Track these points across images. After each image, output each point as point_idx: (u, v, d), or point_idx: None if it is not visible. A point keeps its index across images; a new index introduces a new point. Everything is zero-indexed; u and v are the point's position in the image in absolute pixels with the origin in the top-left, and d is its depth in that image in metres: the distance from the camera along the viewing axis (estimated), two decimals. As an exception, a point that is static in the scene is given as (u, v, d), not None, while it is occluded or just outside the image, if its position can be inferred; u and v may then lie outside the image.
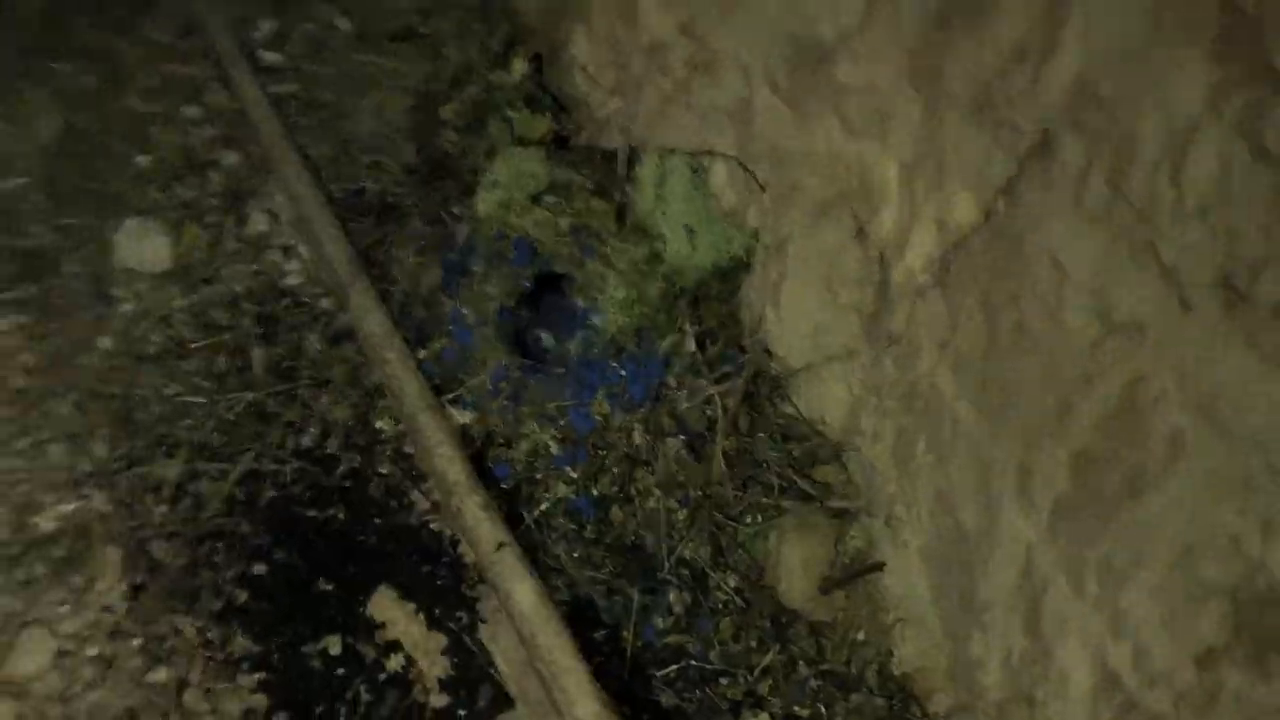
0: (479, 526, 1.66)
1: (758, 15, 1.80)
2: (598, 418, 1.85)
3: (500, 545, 1.64)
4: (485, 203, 1.94)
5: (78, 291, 2.04)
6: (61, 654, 1.63)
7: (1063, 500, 1.48)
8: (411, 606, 1.71)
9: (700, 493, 1.80)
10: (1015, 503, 1.55)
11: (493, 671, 1.66)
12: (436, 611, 1.72)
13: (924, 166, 1.60)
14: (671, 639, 1.74)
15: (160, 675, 1.63)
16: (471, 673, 1.67)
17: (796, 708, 1.68)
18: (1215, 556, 1.30)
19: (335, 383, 1.96)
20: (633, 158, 1.98)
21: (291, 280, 2.12)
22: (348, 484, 1.85)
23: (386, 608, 1.71)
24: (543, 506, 1.81)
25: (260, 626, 1.68)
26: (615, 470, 1.83)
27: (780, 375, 1.90)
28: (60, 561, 1.72)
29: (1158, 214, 1.31)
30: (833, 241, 1.77)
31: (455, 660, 1.68)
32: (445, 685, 1.65)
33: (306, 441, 1.89)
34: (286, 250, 2.15)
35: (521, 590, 1.59)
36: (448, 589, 1.74)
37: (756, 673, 1.70)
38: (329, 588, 1.73)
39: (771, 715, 1.67)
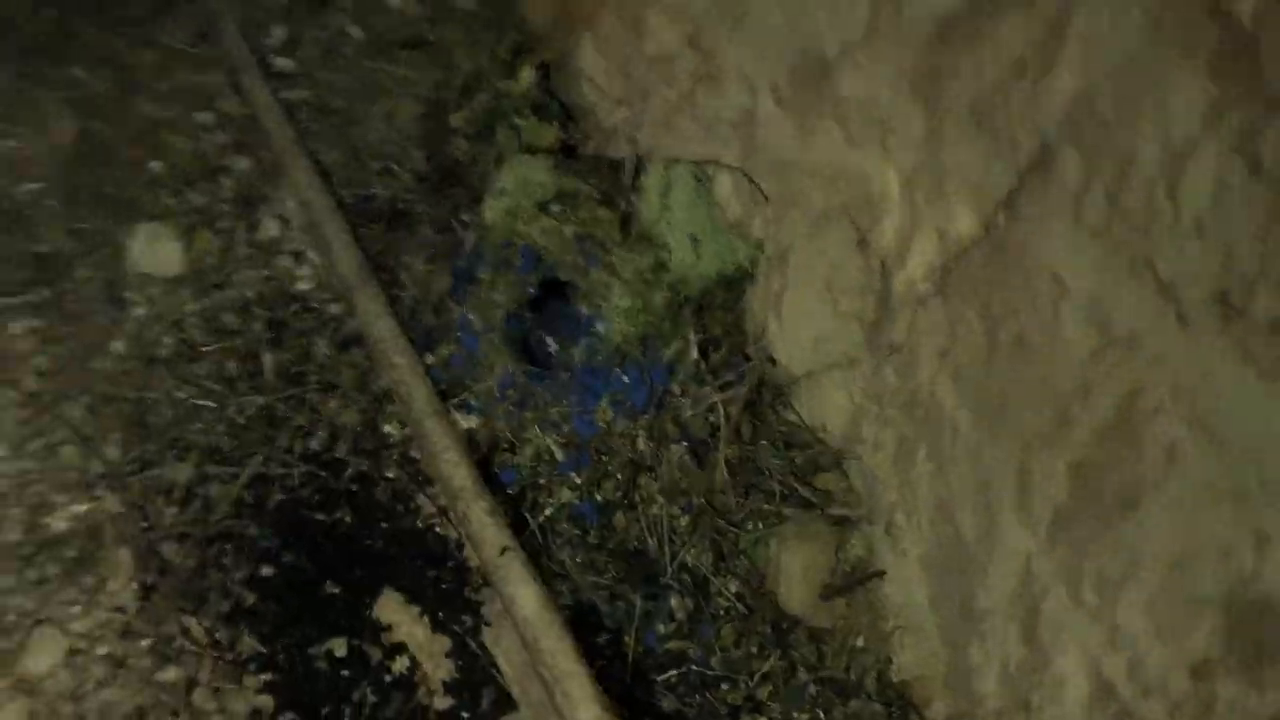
0: (484, 531, 1.69)
1: (763, 28, 1.82)
2: (602, 424, 1.87)
3: (504, 550, 1.67)
4: (493, 210, 1.97)
5: (91, 296, 2.06)
6: (73, 653, 1.66)
7: (1061, 510, 1.50)
8: (417, 609, 1.73)
9: (702, 499, 1.82)
10: (1014, 512, 1.57)
11: (496, 674, 1.69)
12: (441, 615, 1.74)
13: (925, 178, 1.62)
14: (673, 644, 1.76)
15: (169, 674, 1.66)
16: (475, 675, 1.69)
17: (796, 713, 1.70)
18: (1209, 568, 1.32)
19: (343, 387, 1.98)
20: (639, 167, 2.00)
21: (302, 285, 2.14)
22: (355, 488, 1.87)
23: (392, 610, 1.73)
24: (547, 512, 1.83)
25: (268, 628, 1.71)
26: (619, 476, 1.85)
27: (783, 383, 1.91)
28: (72, 562, 1.75)
29: (1155, 229, 1.33)
30: (835, 251, 1.79)
31: (459, 663, 1.70)
32: (449, 688, 1.68)
33: (315, 445, 1.92)
34: (297, 256, 2.18)
35: (525, 595, 1.61)
36: (452, 593, 1.77)
37: (756, 678, 1.72)
38: (336, 590, 1.75)
39: (770, 720, 1.69)
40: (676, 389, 1.88)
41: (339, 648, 1.70)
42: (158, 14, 2.63)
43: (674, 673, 1.73)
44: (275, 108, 2.38)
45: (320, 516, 1.83)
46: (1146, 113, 1.32)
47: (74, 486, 1.82)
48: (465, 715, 1.67)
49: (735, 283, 1.96)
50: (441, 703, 1.67)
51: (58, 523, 1.78)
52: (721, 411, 1.85)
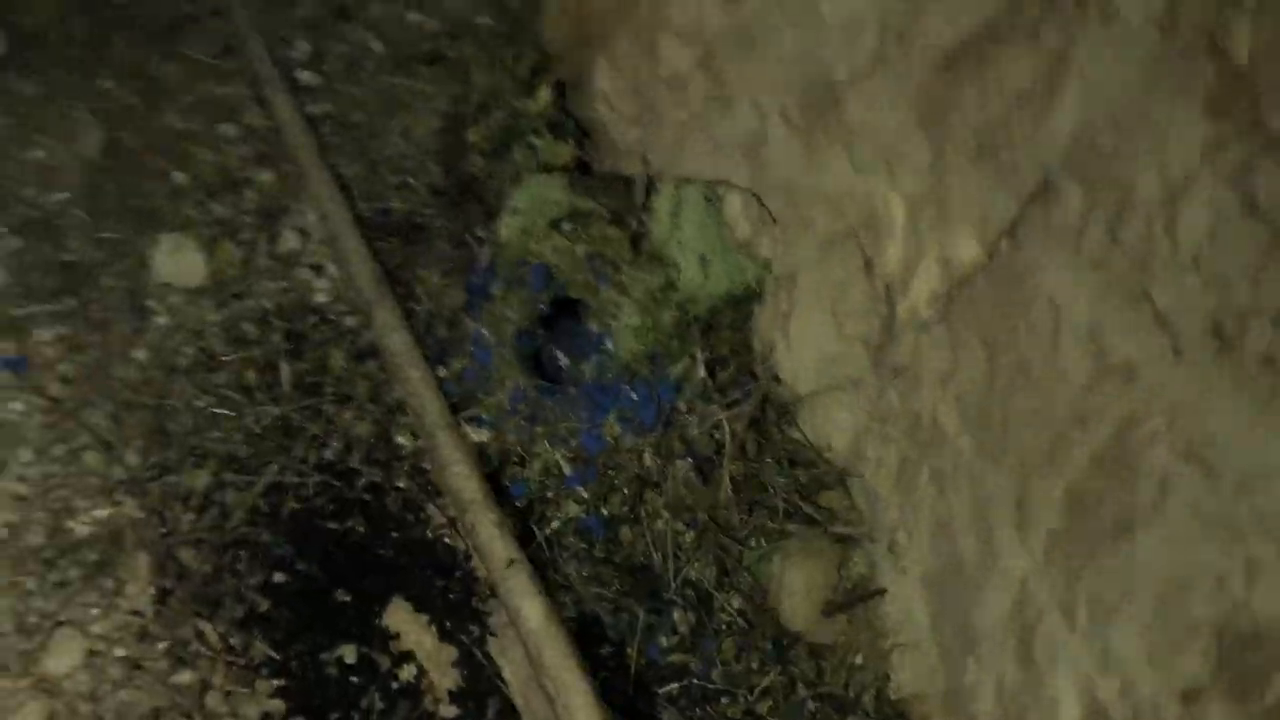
0: (491, 543, 1.73)
1: (773, 53, 1.85)
2: (609, 440, 1.91)
3: (511, 562, 1.71)
4: (507, 228, 2.01)
5: (115, 305, 2.11)
6: (92, 654, 1.71)
7: (1057, 535, 1.53)
8: (425, 618, 1.77)
9: (707, 515, 1.86)
10: (1012, 535, 1.60)
11: (500, 684, 1.73)
12: (448, 624, 1.78)
13: (929, 205, 1.65)
14: (675, 657, 1.79)
15: (184, 677, 1.70)
16: (480, 685, 1.73)
17: (794, 728, 1.74)
18: (1201, 595, 1.34)
19: (358, 398, 2.02)
20: (650, 187, 2.04)
21: (320, 298, 2.19)
22: (367, 498, 1.91)
23: (401, 619, 1.77)
24: (554, 525, 1.87)
25: (280, 634, 1.75)
26: (625, 491, 1.89)
27: (789, 402, 1.95)
28: (93, 565, 1.79)
29: (1152, 262, 1.35)
30: (841, 274, 1.82)
31: (465, 672, 1.74)
32: (455, 696, 1.71)
33: (329, 455, 1.96)
34: (316, 268, 2.23)
35: (530, 607, 1.65)
36: (460, 603, 1.81)
37: (756, 693, 1.75)
38: (346, 598, 1.79)
39: (770, 734, 1.72)
40: (683, 406, 1.92)
41: (349, 654, 1.74)
42: (184, 27, 2.68)
43: (675, 685, 1.77)
44: (298, 121, 2.43)
45: (333, 525, 1.87)
46: (1145, 147, 1.35)
47: (96, 491, 1.87)
48: (470, 723, 1.71)
49: (743, 302, 1.99)
50: (447, 711, 1.71)
51: (79, 527, 1.83)
52: (727, 429, 1.89)
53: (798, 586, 1.82)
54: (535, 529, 1.86)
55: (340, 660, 1.73)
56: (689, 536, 1.86)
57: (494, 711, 1.71)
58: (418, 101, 2.54)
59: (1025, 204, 1.51)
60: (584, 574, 1.83)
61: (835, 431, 1.91)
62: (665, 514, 1.86)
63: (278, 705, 1.68)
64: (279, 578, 1.81)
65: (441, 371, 2.02)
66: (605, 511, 1.88)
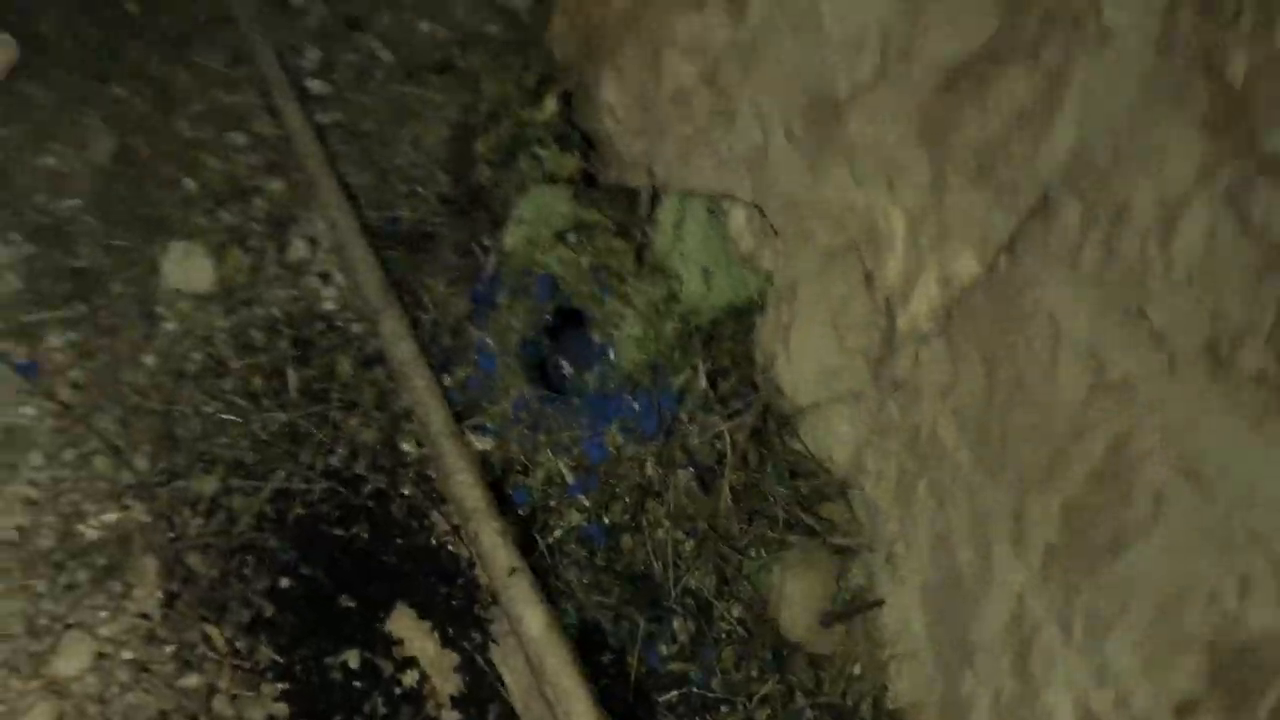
0: (494, 551, 1.75)
1: (777, 69, 1.87)
2: (611, 449, 1.93)
3: (513, 570, 1.73)
4: (513, 238, 2.03)
5: (125, 311, 2.14)
6: (100, 656, 1.73)
7: (1054, 548, 1.54)
8: (428, 625, 1.80)
9: (707, 525, 1.87)
10: (1009, 548, 1.61)
11: (502, 691, 1.75)
12: (451, 631, 1.80)
13: (929, 220, 1.67)
14: (675, 665, 1.81)
15: (191, 681, 1.73)
16: (482, 692, 1.75)
17: (793, 737, 1.75)
18: (1196, 610, 1.35)
19: (364, 405, 2.05)
20: (654, 199, 2.06)
21: (328, 305, 2.21)
22: (372, 504, 1.94)
23: (404, 625, 1.79)
24: (556, 533, 1.89)
25: (285, 638, 1.77)
26: (627, 500, 1.90)
27: (790, 413, 1.96)
28: (102, 569, 1.82)
29: (1148, 279, 1.37)
30: (842, 287, 1.83)
31: (467, 679, 1.76)
32: (457, 702, 1.74)
33: (335, 462, 1.98)
34: (324, 276, 2.25)
35: (531, 615, 1.67)
36: (462, 610, 1.83)
37: (755, 701, 1.76)
38: (351, 604, 1.82)
39: (768, 743, 1.74)
40: (685, 416, 1.94)
41: (353, 660, 1.76)
42: (196, 35, 2.71)
43: (675, 693, 1.78)
44: (307, 130, 2.45)
45: (338, 531, 1.89)
46: (1142, 166, 1.36)
47: (105, 496, 1.90)
48: (472, 729, 1.73)
49: (745, 314, 2.01)
50: (449, 717, 1.73)
51: (89, 531, 1.86)
52: (728, 439, 1.90)
53: (797, 596, 1.84)
54: (538, 537, 1.88)
55: (344, 665, 1.76)
56: (689, 545, 1.88)
57: (495, 717, 1.73)
58: (427, 111, 2.56)
59: (1024, 220, 1.53)
60: (585, 582, 1.85)
61: (836, 443, 1.93)
62: (666, 523, 1.88)
63: (282, 709, 1.71)
64: (285, 583, 1.83)
65: (446, 380, 2.04)
66: (607, 520, 1.90)
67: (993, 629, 1.64)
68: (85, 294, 2.16)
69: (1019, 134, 1.51)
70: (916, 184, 1.67)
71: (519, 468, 1.95)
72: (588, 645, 1.78)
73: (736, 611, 1.85)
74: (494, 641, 1.79)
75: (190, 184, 2.39)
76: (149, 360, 2.08)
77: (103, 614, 1.78)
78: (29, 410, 1.97)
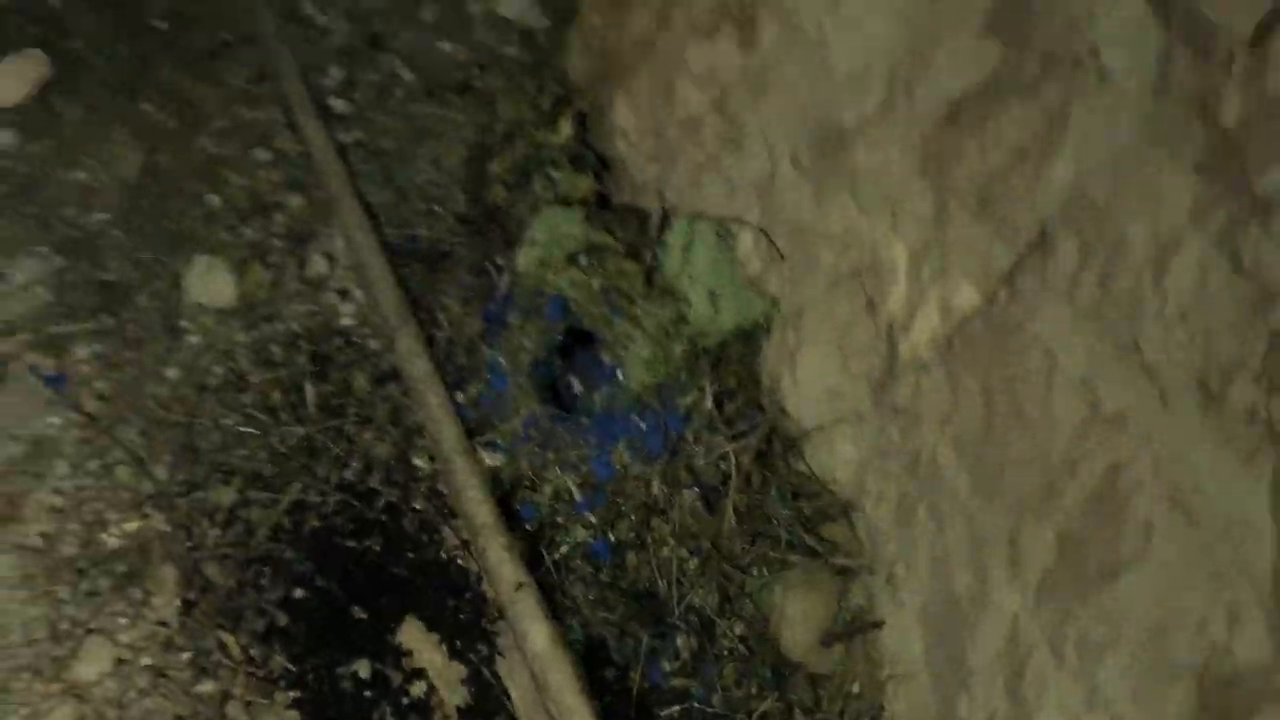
0: (501, 567, 1.80)
1: (785, 98, 1.91)
2: (618, 467, 1.98)
3: (519, 586, 1.77)
4: (525, 259, 2.08)
5: (149, 324, 2.19)
6: (120, 662, 1.79)
7: (1048, 575, 1.57)
8: (436, 637, 1.85)
9: (711, 544, 1.91)
10: (1005, 573, 1.64)
11: (507, 704, 1.79)
12: (459, 643, 1.85)
13: (930, 251, 1.70)
14: (677, 681, 1.85)
15: (206, 687, 1.78)
16: (488, 704, 1.80)
17: (791, 754, 1.79)
18: (1185, 639, 1.38)
19: (379, 420, 2.10)
20: (664, 222, 2.10)
21: (345, 321, 2.26)
22: (385, 518, 1.99)
23: (414, 637, 1.84)
24: (563, 549, 1.93)
25: (298, 648, 1.82)
26: (632, 518, 1.95)
27: (794, 435, 2.00)
28: (122, 576, 1.88)
29: (1142, 315, 1.40)
30: (845, 313, 1.87)
31: (473, 690, 1.81)
32: (463, 714, 1.78)
33: (349, 475, 2.03)
34: (343, 293, 2.30)
35: (536, 631, 1.71)
36: (470, 623, 1.88)
37: (755, 718, 1.80)
38: (362, 615, 1.87)
39: (768, 759, 1.77)
40: (691, 437, 1.98)
41: (363, 670, 1.81)
42: (222, 53, 2.75)
43: (676, 708, 1.82)
44: (329, 147, 2.50)
45: (351, 544, 1.94)
46: (1138, 204, 1.40)
47: (127, 505, 1.95)
48: (478, 740, 1.78)
49: (751, 337, 2.05)
50: (456, 727, 1.78)
51: (110, 539, 1.91)
52: (733, 460, 1.95)
53: (798, 616, 1.88)
54: (544, 552, 1.93)
55: (355, 675, 1.81)
56: (693, 564, 1.92)
57: (500, 729, 1.78)
58: (446, 130, 2.61)
59: (1023, 254, 1.56)
60: (590, 598, 1.90)
61: (839, 465, 1.96)
62: (671, 541, 1.92)
63: (294, 717, 1.76)
64: (299, 593, 1.88)
65: (459, 397, 2.09)
66: (613, 537, 1.95)
67: (988, 652, 1.67)
68: (112, 307, 2.21)
69: (1019, 169, 1.55)
70: (919, 215, 1.71)
71: (528, 484, 2.00)
72: (592, 660, 1.82)
73: (738, 629, 1.89)
74: (500, 655, 1.84)
75: (214, 199, 2.44)
76: (172, 373, 2.14)
77: (123, 620, 1.83)
78: (56, 420, 2.03)
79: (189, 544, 1.92)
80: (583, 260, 2.04)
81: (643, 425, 1.99)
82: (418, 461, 2.07)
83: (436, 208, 2.45)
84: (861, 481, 1.93)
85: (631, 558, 1.93)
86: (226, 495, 1.97)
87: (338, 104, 2.68)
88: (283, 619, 1.85)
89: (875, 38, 1.74)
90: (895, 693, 1.82)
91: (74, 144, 2.49)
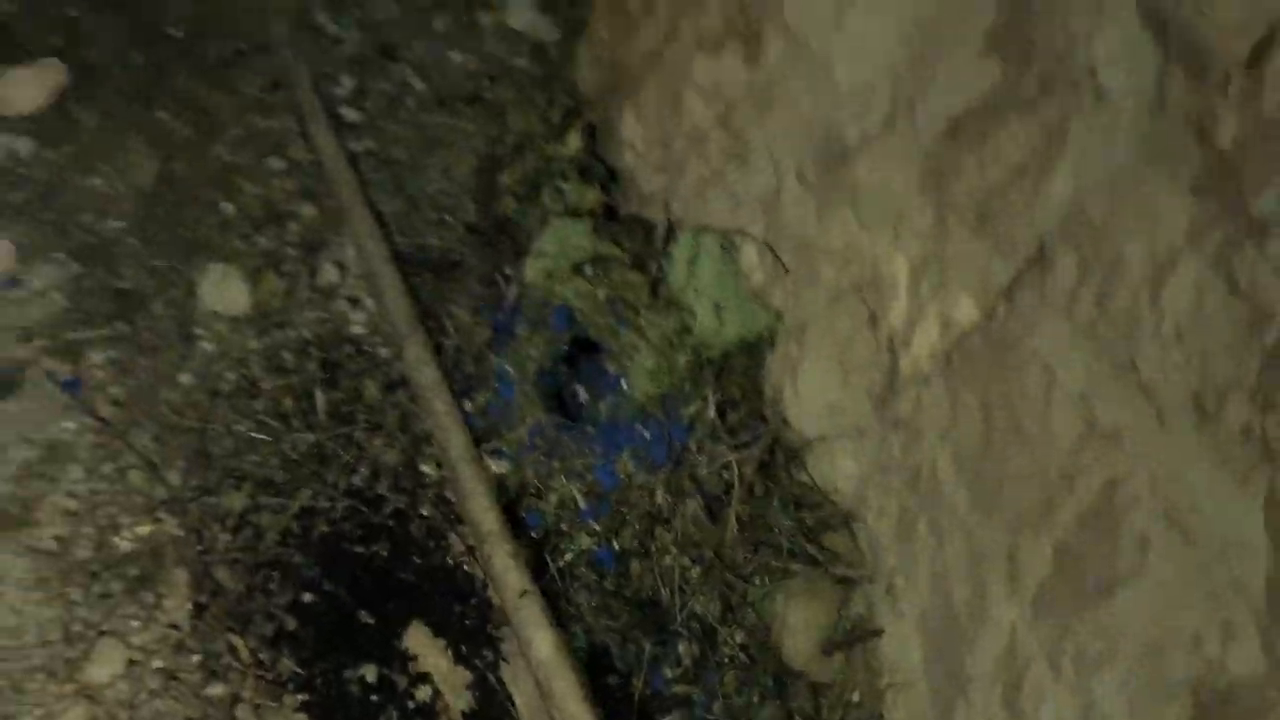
0: (506, 574, 1.82)
1: (790, 114, 1.93)
2: (623, 476, 2.00)
3: (524, 593, 1.80)
4: (533, 270, 2.11)
5: (164, 331, 2.23)
6: (131, 664, 1.82)
7: (1045, 588, 1.59)
8: (442, 642, 1.87)
9: (714, 553, 1.94)
10: (1003, 586, 1.66)
11: (511, 709, 1.82)
12: (464, 649, 1.88)
13: (930, 265, 1.72)
14: (679, 688, 1.88)
15: (216, 690, 1.82)
16: (492, 709, 1.83)
17: (791, 762, 1.81)
18: (1180, 654, 1.40)
19: (388, 427, 2.13)
20: (669, 234, 2.13)
21: (356, 329, 2.29)
22: (393, 524, 2.02)
23: (420, 642, 1.87)
24: (567, 556, 1.96)
25: (306, 651, 1.86)
26: (636, 526, 1.97)
27: (797, 446, 2.02)
28: (135, 579, 1.91)
29: (1138, 333, 1.42)
30: (847, 326, 1.89)
31: (478, 695, 1.84)
32: (468, 718, 1.81)
33: (358, 482, 2.06)
34: (353, 301, 2.33)
35: (540, 638, 1.74)
36: (476, 629, 1.90)
37: (755, 726, 1.83)
38: (370, 620, 1.90)
39: (768, 766, 1.80)
40: (694, 447, 2.00)
41: (370, 674, 1.84)
42: (237, 61, 2.79)
43: (678, 715, 1.85)
44: (340, 157, 2.54)
45: (359, 549, 1.97)
46: (1135, 223, 1.41)
47: (139, 509, 1.99)
48: (481, 745, 1.80)
49: (755, 348, 2.07)
50: (460, 732, 1.81)
51: (123, 542, 1.95)
52: (736, 470, 1.97)
53: (799, 624, 1.90)
54: (549, 559, 1.95)
55: (362, 679, 1.84)
56: (696, 572, 1.94)
57: (504, 734, 1.81)
58: (457, 140, 2.64)
59: (1021, 270, 1.58)
60: (594, 605, 1.92)
61: (840, 476, 1.98)
62: (674, 549, 1.94)
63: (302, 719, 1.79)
64: (307, 598, 1.91)
65: (467, 405, 2.12)
66: (617, 545, 1.97)
67: (986, 663, 1.69)
68: (127, 314, 2.25)
69: (1018, 185, 1.57)
70: (919, 230, 1.73)
71: (534, 492, 2.02)
72: (595, 667, 1.85)
73: (740, 637, 1.91)
74: (505, 660, 1.87)
75: (228, 208, 2.47)
76: (185, 379, 2.17)
77: (135, 623, 1.86)
78: (70, 425, 2.06)
79: (200, 548, 1.95)
80: (589, 271, 2.07)
81: (647, 435, 2.01)
82: (425, 468, 2.10)
83: (446, 217, 2.47)
84: (863, 493, 1.94)
85: (635, 566, 1.96)
86: (237, 500, 2.00)
87: (350, 113, 2.71)
88: (291, 623, 1.88)
89: (878, 54, 1.76)
90: (894, 701, 1.84)
91: (91, 151, 2.52)
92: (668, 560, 1.94)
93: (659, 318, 2.03)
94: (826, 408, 1.96)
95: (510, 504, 1.99)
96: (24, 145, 2.46)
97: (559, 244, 2.11)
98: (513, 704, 1.82)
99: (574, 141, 2.36)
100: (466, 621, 1.91)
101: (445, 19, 2.88)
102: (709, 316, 2.05)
